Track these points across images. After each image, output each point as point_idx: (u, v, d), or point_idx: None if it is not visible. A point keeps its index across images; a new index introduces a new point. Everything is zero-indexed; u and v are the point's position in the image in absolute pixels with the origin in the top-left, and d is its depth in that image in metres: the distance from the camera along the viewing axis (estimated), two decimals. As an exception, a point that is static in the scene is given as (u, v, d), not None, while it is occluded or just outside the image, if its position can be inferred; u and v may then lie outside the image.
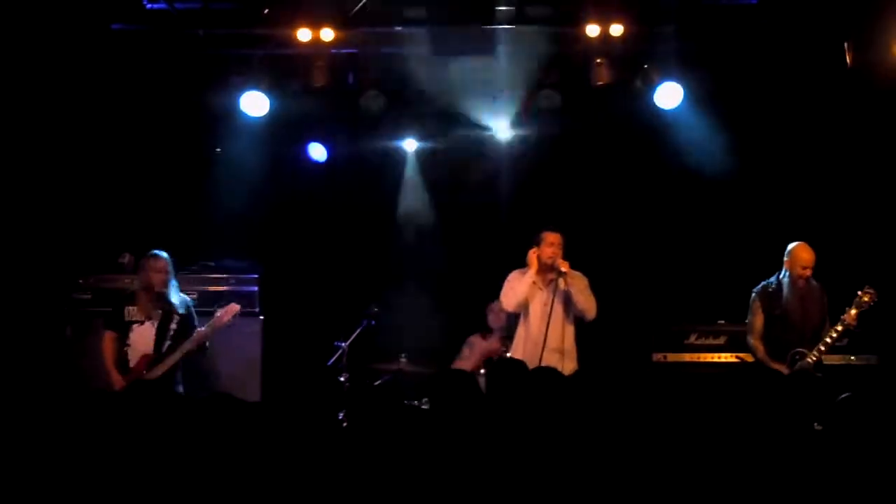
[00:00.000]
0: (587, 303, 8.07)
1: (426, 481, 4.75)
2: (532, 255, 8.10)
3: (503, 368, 6.32)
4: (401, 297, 10.07)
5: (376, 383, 9.34)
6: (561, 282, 7.96)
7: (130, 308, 8.18)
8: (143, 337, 8.10)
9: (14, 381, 8.46)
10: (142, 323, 8.13)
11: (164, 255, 8.28)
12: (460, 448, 5.02)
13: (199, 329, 8.14)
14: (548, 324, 7.88)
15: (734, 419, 5.58)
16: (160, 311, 8.16)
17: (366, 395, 9.14)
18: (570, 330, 8.12)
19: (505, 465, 4.87)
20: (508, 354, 8.50)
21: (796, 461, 4.82)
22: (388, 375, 9.41)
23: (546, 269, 8.08)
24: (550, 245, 8.04)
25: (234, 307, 8.24)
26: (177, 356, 8.04)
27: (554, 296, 7.96)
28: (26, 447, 4.90)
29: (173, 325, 8.14)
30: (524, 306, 8.15)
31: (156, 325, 8.12)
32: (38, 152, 9.41)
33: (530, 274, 8.09)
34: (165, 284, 8.23)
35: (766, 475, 4.72)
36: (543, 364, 7.52)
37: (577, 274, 8.11)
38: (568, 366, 7.94)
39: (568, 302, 8.04)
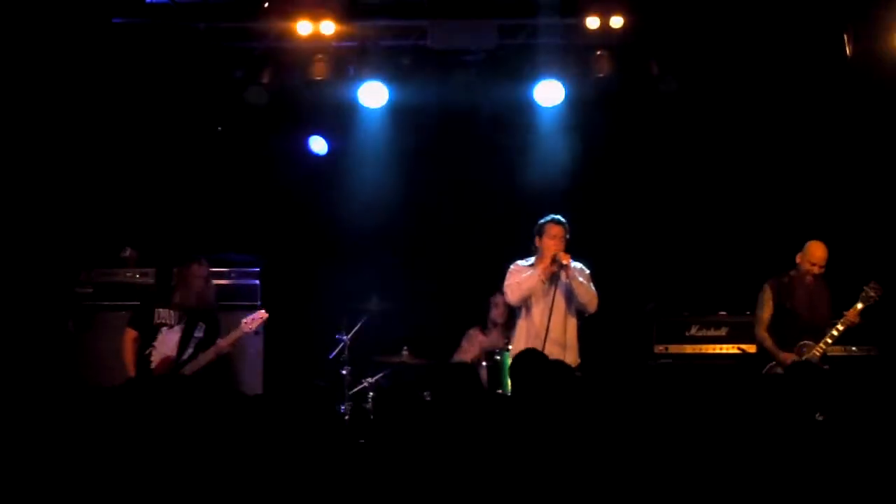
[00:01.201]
0: (588, 296, 8.04)
1: (429, 474, 4.76)
2: (548, 252, 8.00)
3: (528, 360, 6.29)
4: (402, 289, 10.06)
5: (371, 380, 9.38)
6: (562, 274, 7.95)
7: (161, 310, 8.19)
8: (168, 340, 8.12)
9: (16, 375, 8.50)
10: (171, 327, 8.13)
11: (205, 259, 8.30)
12: (463, 440, 5.03)
13: (223, 339, 8.17)
14: (549, 317, 7.86)
15: (736, 410, 5.59)
16: (188, 316, 8.17)
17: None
18: (572, 323, 8.10)
19: (508, 458, 4.88)
20: (510, 347, 8.50)
21: (798, 452, 4.83)
22: (388, 369, 9.44)
23: (550, 259, 8.05)
24: (552, 237, 8.00)
25: (262, 314, 8.26)
26: (200, 363, 8.08)
27: (556, 288, 7.93)
28: (28, 442, 4.90)
29: (198, 333, 8.17)
30: (527, 299, 8.13)
31: (182, 329, 8.13)
32: (39, 146, 9.41)
33: (539, 271, 8.01)
34: (205, 289, 8.25)
35: (768, 467, 4.73)
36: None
37: (579, 266, 8.09)
38: (570, 358, 7.91)
39: (570, 295, 8.01)
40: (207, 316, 8.27)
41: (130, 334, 8.16)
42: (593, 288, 8.09)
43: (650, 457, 4.86)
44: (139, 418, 5.04)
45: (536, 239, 8.08)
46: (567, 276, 7.92)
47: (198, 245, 9.54)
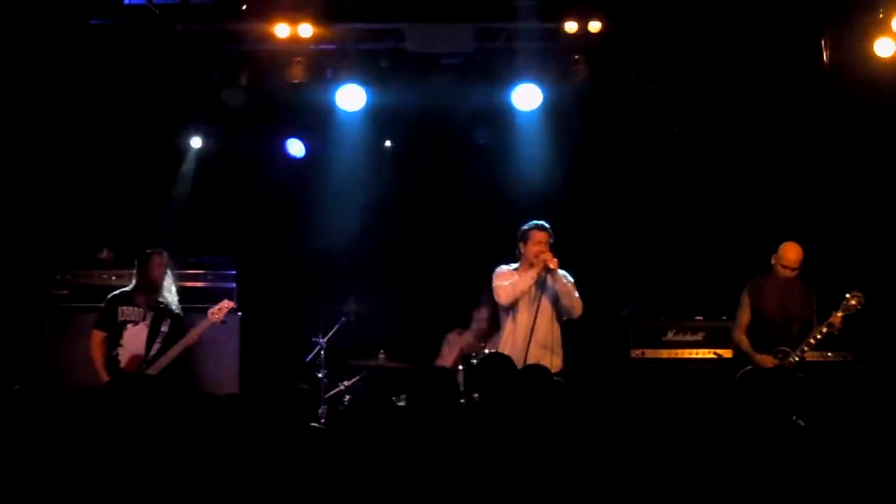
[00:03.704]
0: (573, 300, 8.04)
1: (406, 479, 4.75)
2: (540, 258, 7.97)
3: (491, 364, 6.31)
4: (379, 292, 10.06)
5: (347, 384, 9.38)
6: (549, 279, 7.94)
7: (125, 308, 8.15)
8: (135, 337, 8.09)
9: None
10: (136, 323, 8.10)
11: (165, 252, 8.27)
12: (440, 445, 5.03)
13: (192, 330, 8.14)
14: (535, 320, 7.87)
15: (713, 415, 5.59)
16: (153, 312, 8.14)
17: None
18: (556, 326, 8.09)
19: (485, 462, 4.88)
20: (498, 349, 8.56)
21: (776, 456, 4.84)
22: (365, 372, 9.43)
23: (531, 265, 8.03)
24: (537, 243, 8.00)
25: (227, 303, 8.23)
26: (169, 358, 8.04)
27: (542, 293, 7.95)
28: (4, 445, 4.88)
29: (164, 328, 8.13)
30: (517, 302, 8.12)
31: (148, 326, 8.10)
32: (15, 148, 9.38)
33: (532, 273, 7.99)
34: (165, 280, 8.24)
35: (745, 471, 4.73)
36: (529, 359, 7.57)
37: (563, 273, 8.09)
38: (554, 362, 7.91)
39: (555, 299, 8.02)
40: (172, 310, 8.24)
41: (98, 336, 8.11)
42: (577, 294, 8.10)
43: (625, 462, 4.86)
44: (112, 420, 5.02)
45: (521, 245, 8.08)
46: (554, 281, 7.93)
47: (174, 247, 9.53)
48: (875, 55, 8.74)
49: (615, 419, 5.76)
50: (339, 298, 9.58)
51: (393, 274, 10.54)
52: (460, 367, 9.06)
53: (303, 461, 4.83)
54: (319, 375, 9.32)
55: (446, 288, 10.23)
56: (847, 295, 7.96)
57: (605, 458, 4.89)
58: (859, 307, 7.94)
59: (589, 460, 4.88)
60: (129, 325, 8.10)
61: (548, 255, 7.87)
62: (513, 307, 8.09)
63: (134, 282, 8.29)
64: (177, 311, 8.26)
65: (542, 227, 8.04)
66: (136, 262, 8.34)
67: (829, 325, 7.94)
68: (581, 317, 8.13)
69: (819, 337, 7.96)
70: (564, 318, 8.14)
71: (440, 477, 4.75)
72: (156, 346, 8.08)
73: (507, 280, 8.07)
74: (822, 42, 8.93)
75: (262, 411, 5.30)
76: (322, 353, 9.39)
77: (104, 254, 9.61)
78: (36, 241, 9.60)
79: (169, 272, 8.31)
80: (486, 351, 8.74)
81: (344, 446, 4.89)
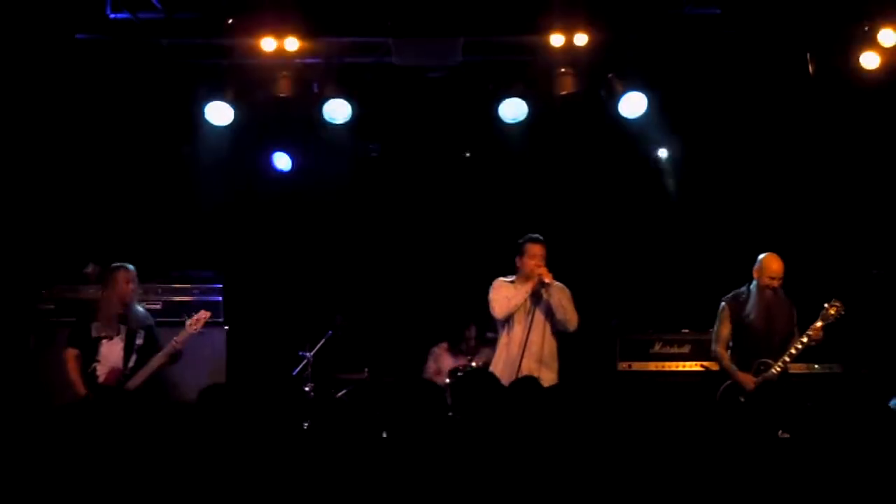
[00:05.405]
0: (568, 314, 8.05)
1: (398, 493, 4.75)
2: (536, 272, 8.01)
3: (472, 381, 6.31)
4: (366, 307, 10.06)
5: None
6: (543, 293, 7.95)
7: (97, 324, 8.13)
8: (112, 352, 8.07)
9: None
10: (110, 338, 8.08)
11: (132, 266, 8.25)
12: (431, 459, 5.03)
13: (172, 341, 8.12)
14: (528, 333, 7.88)
15: (699, 428, 5.59)
16: (126, 326, 8.12)
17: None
18: (550, 340, 8.10)
19: (472, 475, 4.88)
20: (492, 362, 8.58)
21: (760, 469, 4.84)
22: (352, 385, 9.43)
23: (528, 279, 8.04)
24: (533, 257, 8.01)
25: (205, 314, 8.22)
26: (149, 370, 8.03)
27: (536, 306, 7.95)
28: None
29: (139, 340, 8.13)
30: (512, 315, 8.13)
31: (123, 340, 8.09)
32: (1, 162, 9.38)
33: (527, 287, 8.02)
34: (134, 296, 8.22)
35: (730, 483, 4.73)
36: (522, 372, 7.58)
37: (560, 285, 8.10)
38: (547, 375, 7.90)
39: (549, 312, 8.02)
40: (143, 322, 8.23)
41: (72, 353, 8.09)
42: (573, 307, 8.10)
43: (610, 476, 4.85)
44: (92, 435, 5.01)
45: (517, 258, 8.11)
46: (548, 294, 7.94)
47: (161, 261, 9.53)
48: (861, 68, 8.76)
49: (602, 432, 5.76)
50: (326, 312, 9.57)
51: (379, 288, 10.54)
52: (447, 381, 9.06)
53: (290, 470, 4.84)
54: (306, 389, 9.31)
55: (432, 302, 10.23)
56: (826, 305, 7.97)
57: (590, 472, 4.89)
58: (839, 317, 7.95)
59: (574, 474, 4.88)
60: (105, 341, 8.09)
61: (543, 270, 7.89)
62: (507, 320, 8.11)
63: (102, 297, 8.29)
64: (148, 322, 8.26)
65: (537, 240, 8.08)
66: (103, 278, 8.35)
67: (809, 336, 7.94)
68: (576, 331, 8.14)
69: (800, 347, 7.96)
70: (566, 332, 8.15)
71: (427, 488, 4.75)
72: (133, 359, 8.09)
73: (503, 293, 8.09)
74: (808, 55, 8.95)
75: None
76: (309, 367, 9.38)
77: (90, 268, 9.57)
78: (22, 255, 9.57)
79: (135, 285, 8.28)
80: (473, 364, 8.76)
81: (333, 456, 4.90)
